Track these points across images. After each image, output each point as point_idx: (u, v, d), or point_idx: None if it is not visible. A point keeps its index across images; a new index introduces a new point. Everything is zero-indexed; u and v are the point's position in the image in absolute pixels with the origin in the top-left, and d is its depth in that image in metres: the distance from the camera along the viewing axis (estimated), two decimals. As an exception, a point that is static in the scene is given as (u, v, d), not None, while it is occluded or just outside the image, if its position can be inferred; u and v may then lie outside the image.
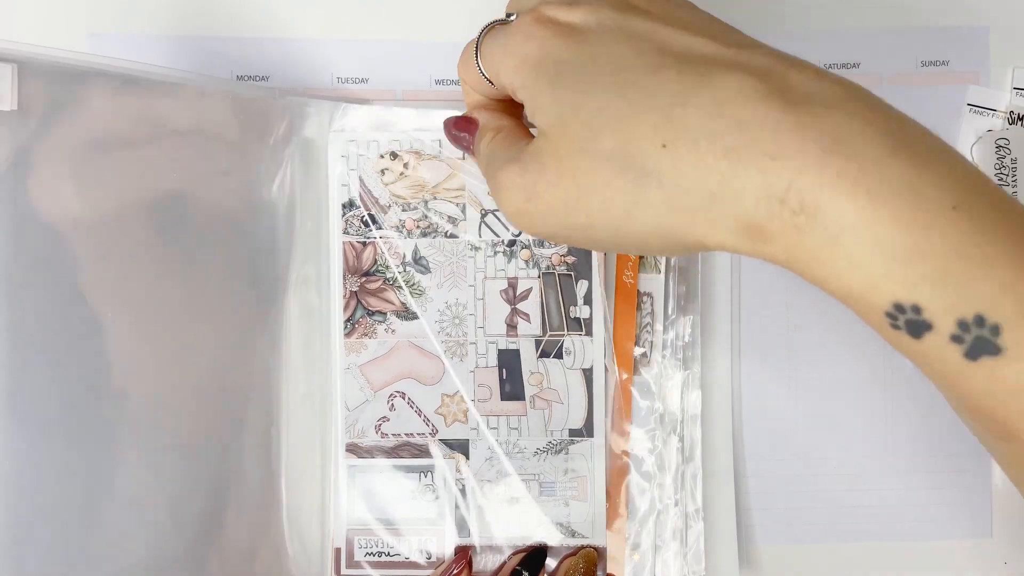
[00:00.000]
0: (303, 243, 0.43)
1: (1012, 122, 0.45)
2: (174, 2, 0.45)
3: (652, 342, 0.43)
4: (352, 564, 0.43)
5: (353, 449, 0.43)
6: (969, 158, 0.45)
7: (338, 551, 0.43)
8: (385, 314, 0.42)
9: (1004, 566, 0.45)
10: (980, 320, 0.25)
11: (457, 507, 0.43)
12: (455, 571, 0.41)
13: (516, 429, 0.43)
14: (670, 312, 0.43)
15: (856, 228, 0.25)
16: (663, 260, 0.43)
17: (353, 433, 0.43)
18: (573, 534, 0.42)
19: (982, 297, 0.25)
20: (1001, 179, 0.44)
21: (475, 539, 0.42)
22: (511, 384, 0.42)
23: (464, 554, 0.42)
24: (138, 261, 0.38)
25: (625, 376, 0.43)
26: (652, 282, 0.43)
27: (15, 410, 0.34)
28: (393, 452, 0.43)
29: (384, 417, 0.43)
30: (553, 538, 0.42)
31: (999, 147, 0.44)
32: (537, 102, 0.31)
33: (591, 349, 0.42)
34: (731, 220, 0.27)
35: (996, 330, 0.25)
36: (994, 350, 0.25)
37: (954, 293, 0.25)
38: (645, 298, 0.43)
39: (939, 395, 0.28)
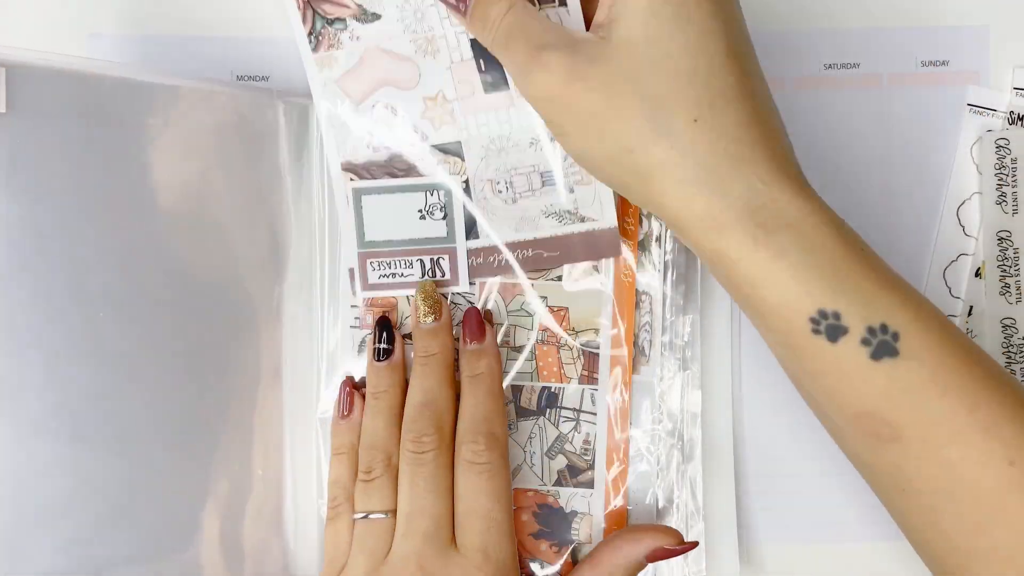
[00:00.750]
0: (303, 240, 0.43)
1: (1012, 122, 0.45)
2: (174, 3, 0.45)
3: (651, 341, 0.43)
4: (368, 287, 0.42)
5: (350, 168, 0.42)
6: (969, 158, 0.45)
7: (351, 271, 0.42)
8: (344, 20, 0.40)
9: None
10: (884, 327, 0.32)
11: (465, 215, 0.41)
12: (347, 391, 0.42)
13: (507, 122, 0.41)
14: (669, 312, 0.43)
15: (798, 252, 0.32)
16: (661, 259, 0.43)
17: (345, 151, 0.41)
18: (583, 219, 0.41)
19: (886, 309, 0.32)
20: (1001, 179, 0.44)
21: (486, 242, 0.42)
22: (491, 74, 0.40)
23: (349, 380, 0.42)
24: (133, 262, 0.38)
25: (625, 377, 0.43)
26: (651, 282, 0.43)
27: (12, 408, 0.34)
28: (388, 165, 0.41)
29: (371, 131, 0.41)
30: (562, 228, 0.41)
31: (999, 147, 0.44)
32: (640, 5, 0.33)
33: (574, 16, 0.39)
34: (702, 208, 0.33)
35: (896, 336, 0.32)
36: (893, 352, 0.32)
37: (865, 307, 0.32)
38: (644, 298, 0.43)
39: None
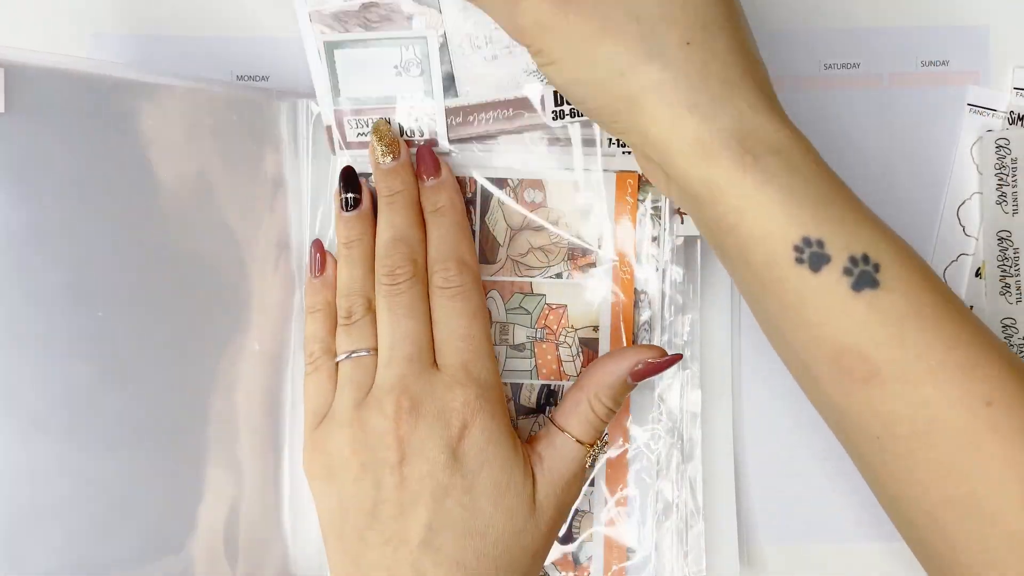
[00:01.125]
0: (303, 239, 0.43)
1: (1012, 122, 0.45)
2: (175, 2, 0.45)
3: (651, 340, 0.43)
4: (347, 145, 0.42)
5: (319, 19, 0.40)
6: (969, 158, 0.45)
7: (329, 130, 0.42)
8: None
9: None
10: (866, 258, 0.32)
11: (443, 72, 0.40)
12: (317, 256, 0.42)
13: None
14: (668, 312, 0.43)
15: (787, 176, 0.32)
16: (661, 259, 0.43)
17: (311, 1, 0.40)
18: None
19: (868, 240, 0.32)
20: (1001, 179, 0.44)
21: (464, 101, 0.40)
22: None
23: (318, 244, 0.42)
24: (131, 261, 0.38)
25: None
26: (650, 280, 0.43)
27: (10, 407, 0.34)
28: (360, 16, 0.40)
29: None
30: (546, 88, 0.40)
31: (999, 147, 0.44)
32: None
33: None
34: (692, 132, 0.33)
35: (877, 267, 0.32)
36: (874, 283, 0.32)
37: (848, 234, 0.32)
38: (643, 296, 0.43)
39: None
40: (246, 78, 0.45)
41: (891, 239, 0.33)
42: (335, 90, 0.41)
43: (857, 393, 0.33)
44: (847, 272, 0.32)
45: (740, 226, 0.33)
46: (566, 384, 0.43)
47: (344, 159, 0.42)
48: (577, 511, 0.43)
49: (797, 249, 0.32)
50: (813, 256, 0.32)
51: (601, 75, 0.34)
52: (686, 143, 0.33)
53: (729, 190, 0.33)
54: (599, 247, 0.43)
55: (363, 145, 0.42)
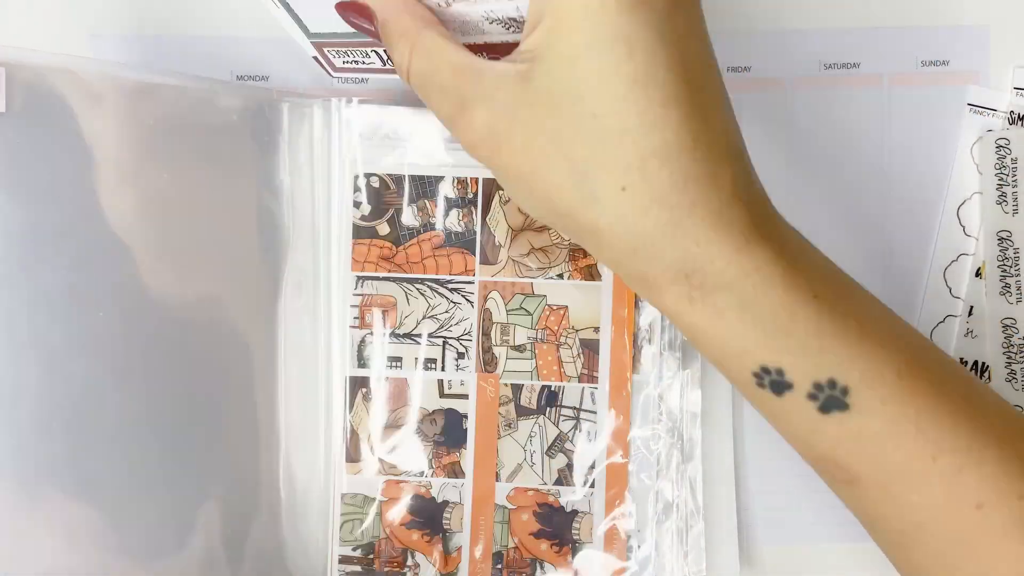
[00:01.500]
0: (302, 240, 0.43)
1: (1012, 122, 0.45)
2: (175, 2, 0.45)
3: (651, 340, 0.43)
4: (337, 69, 0.41)
5: None
6: (969, 158, 0.45)
7: (316, 60, 0.41)
8: None
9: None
10: (832, 383, 0.30)
11: None
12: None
13: None
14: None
15: (737, 311, 0.30)
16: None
17: None
18: None
19: (833, 365, 0.30)
20: (1001, 179, 0.44)
21: None
22: None
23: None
24: (133, 260, 0.38)
25: (624, 375, 0.43)
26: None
27: (10, 408, 0.34)
28: None
29: None
30: (510, 35, 0.36)
31: (999, 147, 0.44)
32: (563, 52, 0.29)
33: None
34: (636, 271, 0.31)
35: (845, 391, 0.30)
36: (843, 406, 0.30)
37: (811, 362, 0.30)
38: (645, 297, 0.43)
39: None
40: (246, 78, 0.45)
41: (865, 356, 0.30)
42: (303, 27, 0.39)
43: (843, 492, 0.32)
44: (812, 397, 0.30)
45: (698, 346, 0.32)
46: (567, 385, 0.43)
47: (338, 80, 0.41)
48: (577, 512, 0.43)
49: (756, 376, 0.31)
50: (773, 383, 0.31)
51: (543, 212, 0.32)
52: (633, 279, 0.32)
53: (681, 320, 0.31)
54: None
55: (352, 70, 0.41)
